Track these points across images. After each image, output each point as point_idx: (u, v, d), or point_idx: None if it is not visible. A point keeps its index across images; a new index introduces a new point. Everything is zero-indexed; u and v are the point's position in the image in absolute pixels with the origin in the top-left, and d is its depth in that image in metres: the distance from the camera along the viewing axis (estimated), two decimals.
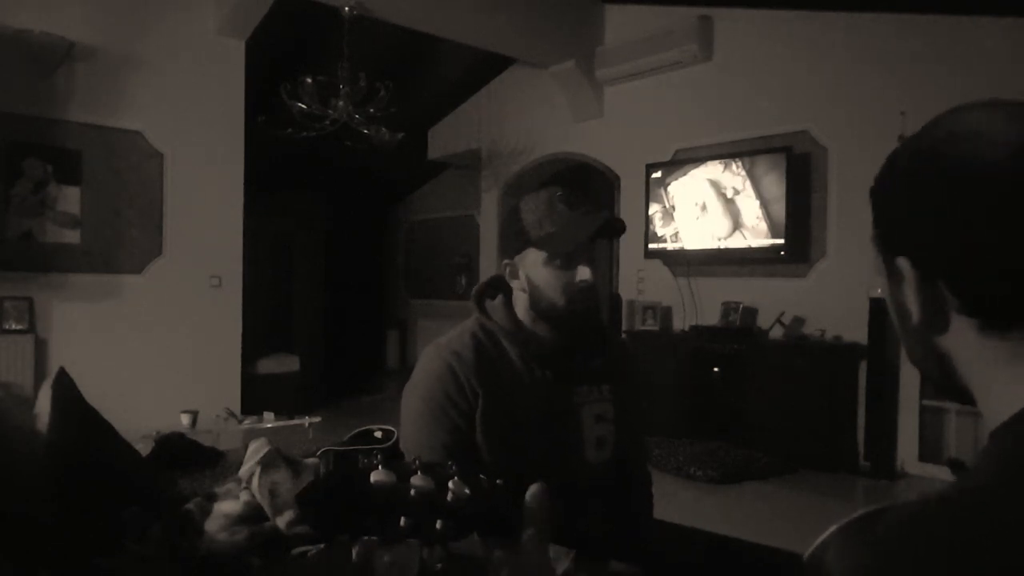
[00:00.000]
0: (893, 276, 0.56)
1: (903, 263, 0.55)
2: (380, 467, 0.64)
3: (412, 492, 0.64)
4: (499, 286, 1.43)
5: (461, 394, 1.31)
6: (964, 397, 0.56)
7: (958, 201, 0.51)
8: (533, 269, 1.34)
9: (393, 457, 0.66)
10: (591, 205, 1.35)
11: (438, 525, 0.65)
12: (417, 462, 0.66)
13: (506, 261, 1.38)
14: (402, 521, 0.64)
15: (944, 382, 0.57)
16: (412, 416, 1.34)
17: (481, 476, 0.68)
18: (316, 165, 7.32)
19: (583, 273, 1.31)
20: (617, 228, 1.35)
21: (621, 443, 1.44)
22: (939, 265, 0.53)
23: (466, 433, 1.31)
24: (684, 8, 5.70)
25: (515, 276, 1.37)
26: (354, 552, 0.68)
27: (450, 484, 0.66)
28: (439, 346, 1.38)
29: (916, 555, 0.45)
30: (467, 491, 0.66)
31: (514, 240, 1.36)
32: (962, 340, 0.54)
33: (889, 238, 0.57)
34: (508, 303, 1.41)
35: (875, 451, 4.63)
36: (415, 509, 0.64)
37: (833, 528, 0.48)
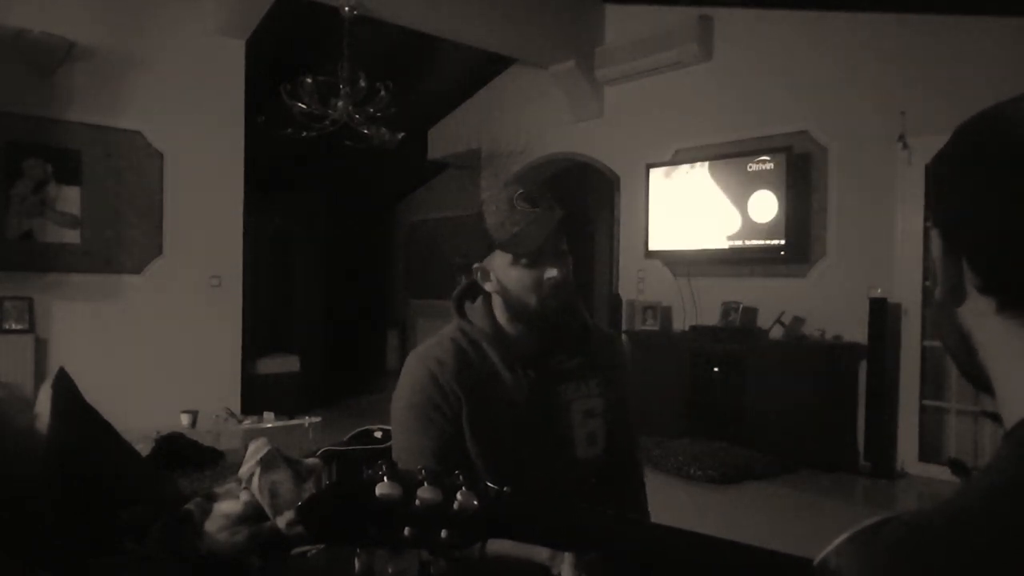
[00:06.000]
0: (931, 248, 0.58)
1: (934, 235, 0.56)
2: (386, 478, 0.63)
3: (417, 503, 0.63)
4: (478, 290, 1.42)
5: (445, 400, 1.32)
6: (985, 384, 0.56)
7: (992, 181, 0.51)
8: (502, 271, 1.33)
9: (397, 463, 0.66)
10: (553, 201, 1.33)
11: (443, 535, 0.64)
12: (423, 472, 0.66)
13: (476, 265, 1.37)
14: (406, 532, 0.63)
15: (966, 364, 0.57)
16: (400, 424, 1.36)
17: (489, 484, 0.68)
18: (316, 165, 7.32)
19: (550, 271, 1.30)
20: (578, 220, 1.35)
21: (612, 437, 1.44)
22: (962, 240, 0.54)
23: (453, 438, 1.31)
24: (684, 8, 5.70)
25: (487, 279, 1.36)
26: (356, 562, 0.68)
27: (458, 495, 0.65)
28: (419, 354, 1.38)
29: (930, 563, 0.44)
30: (475, 502, 0.65)
31: (480, 243, 1.34)
32: (981, 320, 0.54)
33: (931, 208, 0.59)
34: (488, 306, 1.40)
35: (875, 451, 4.63)
36: (420, 520, 0.63)
37: (844, 535, 0.48)
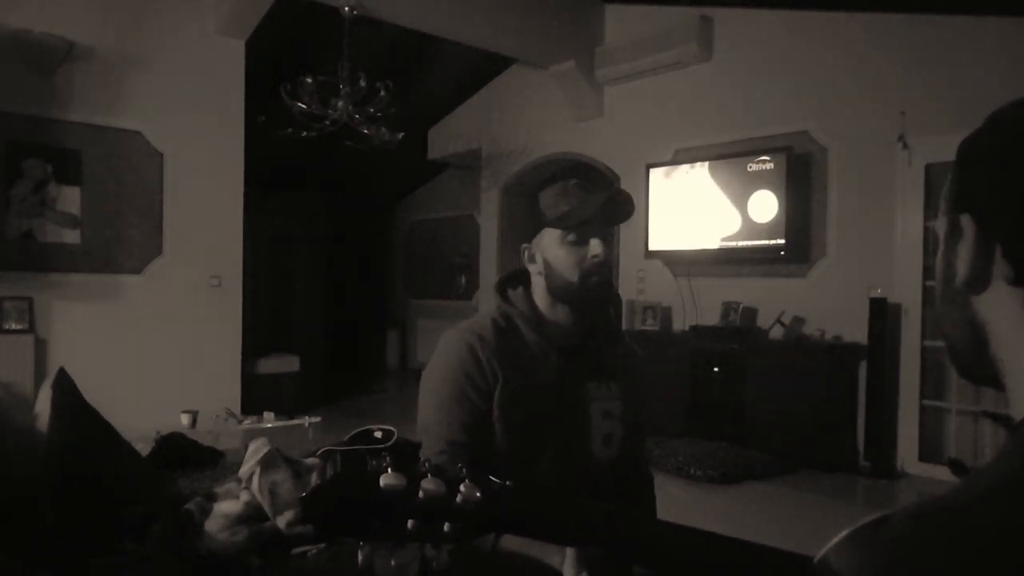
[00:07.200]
0: (952, 235, 0.56)
1: (966, 220, 0.54)
2: (390, 470, 0.63)
3: (421, 495, 0.63)
4: (520, 278, 1.47)
5: (481, 375, 1.34)
6: (991, 379, 0.55)
7: None
8: (549, 249, 1.38)
9: (398, 453, 0.66)
10: (605, 189, 1.40)
11: (446, 528, 0.64)
12: (427, 464, 0.66)
13: (524, 245, 1.43)
14: (409, 524, 0.63)
15: (972, 357, 0.56)
16: (432, 397, 1.36)
17: (492, 478, 0.68)
18: (316, 165, 7.32)
19: (595, 248, 1.35)
20: (626, 203, 1.39)
21: (627, 441, 1.45)
22: (1000, 227, 0.52)
23: (484, 415, 1.33)
24: (684, 8, 5.70)
25: (532, 260, 1.42)
26: (360, 556, 0.68)
27: (461, 487, 0.65)
28: (461, 330, 1.41)
29: (931, 561, 0.44)
30: (478, 494, 0.65)
31: (531, 224, 1.41)
32: (1004, 310, 0.53)
33: (960, 194, 0.56)
34: (528, 293, 1.45)
35: (875, 451, 4.63)
36: (423, 512, 0.63)
37: (844, 533, 0.48)
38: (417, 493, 0.63)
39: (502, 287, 1.47)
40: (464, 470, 0.66)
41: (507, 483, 0.68)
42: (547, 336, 1.40)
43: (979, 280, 0.54)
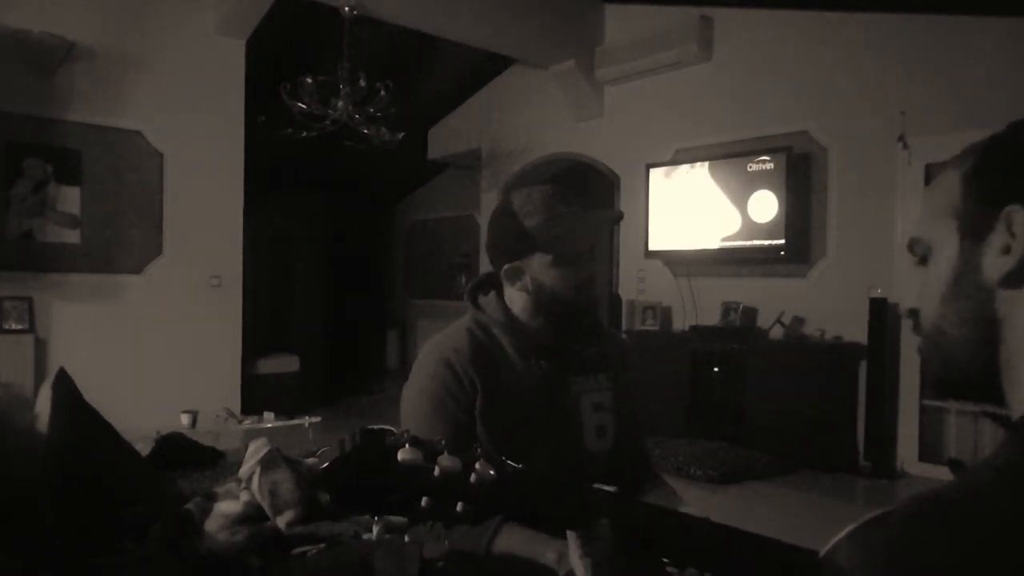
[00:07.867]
0: (979, 227, 0.54)
1: (1015, 209, 0.52)
2: (408, 445, 0.64)
3: (437, 472, 0.64)
4: (491, 282, 1.46)
5: (459, 387, 1.33)
6: (988, 386, 0.54)
7: None
8: (541, 271, 1.34)
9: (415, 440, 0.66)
10: (584, 200, 1.37)
11: (459, 508, 0.64)
12: (443, 442, 0.66)
13: (508, 265, 1.37)
14: (423, 502, 0.63)
15: (976, 360, 0.55)
16: (412, 412, 1.36)
17: (506, 460, 0.68)
18: (316, 165, 7.32)
19: (587, 268, 1.36)
20: (615, 220, 1.39)
21: (621, 432, 1.45)
22: None
23: (466, 426, 1.33)
24: (684, 8, 5.70)
25: (518, 279, 1.37)
26: (374, 533, 0.68)
27: (476, 466, 0.65)
28: (436, 342, 1.40)
29: (930, 554, 0.44)
30: (492, 473, 0.65)
31: (516, 243, 1.34)
32: None
33: (1003, 185, 0.54)
34: (500, 298, 1.43)
35: (875, 451, 4.63)
36: (438, 490, 0.64)
37: (847, 529, 0.48)
38: (433, 470, 0.63)
39: (473, 294, 1.46)
40: (479, 450, 0.67)
41: (520, 466, 0.68)
42: (525, 340, 1.39)
43: (1017, 274, 0.52)
